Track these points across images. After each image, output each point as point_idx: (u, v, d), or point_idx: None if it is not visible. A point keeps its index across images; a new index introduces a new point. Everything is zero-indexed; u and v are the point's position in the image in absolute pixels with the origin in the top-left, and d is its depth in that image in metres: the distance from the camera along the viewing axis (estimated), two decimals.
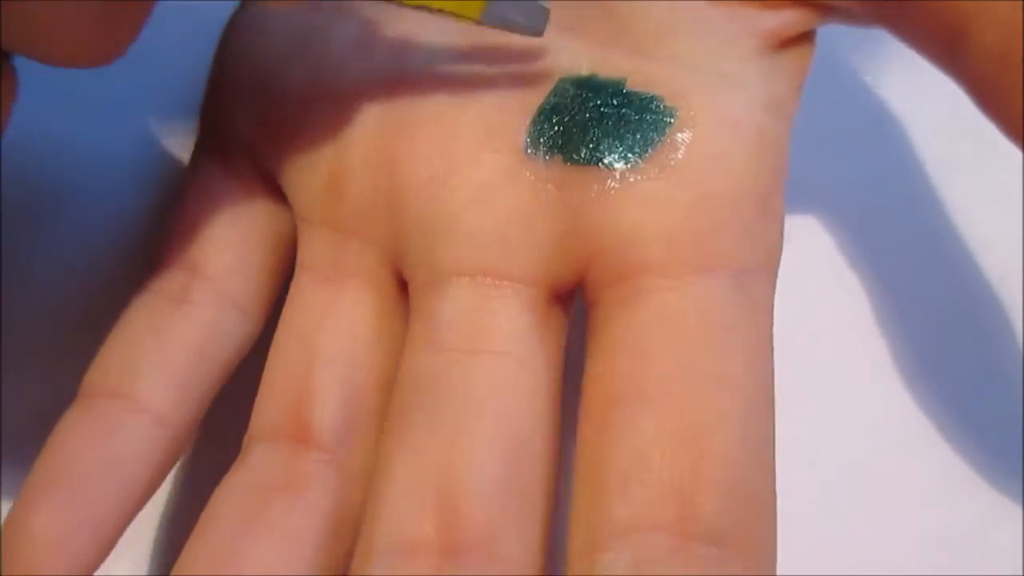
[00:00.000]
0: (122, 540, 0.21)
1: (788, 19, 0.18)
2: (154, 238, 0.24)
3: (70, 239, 0.24)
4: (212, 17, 0.21)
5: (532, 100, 0.18)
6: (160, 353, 0.18)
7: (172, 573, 0.16)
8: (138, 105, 0.26)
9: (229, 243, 0.19)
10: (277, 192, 0.20)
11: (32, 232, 0.24)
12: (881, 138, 0.24)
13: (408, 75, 0.18)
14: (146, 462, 0.17)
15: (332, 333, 0.18)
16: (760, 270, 0.17)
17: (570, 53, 0.18)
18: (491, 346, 0.17)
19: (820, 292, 0.23)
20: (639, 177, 0.17)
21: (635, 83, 0.18)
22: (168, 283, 0.19)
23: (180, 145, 0.25)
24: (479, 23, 0.17)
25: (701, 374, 0.15)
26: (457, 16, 0.17)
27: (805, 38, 0.19)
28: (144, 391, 0.17)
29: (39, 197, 0.25)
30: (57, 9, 0.14)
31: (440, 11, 0.17)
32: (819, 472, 0.21)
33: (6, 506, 0.21)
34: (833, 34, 0.20)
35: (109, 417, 0.17)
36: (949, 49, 0.16)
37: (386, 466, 0.16)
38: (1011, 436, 0.21)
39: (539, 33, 0.18)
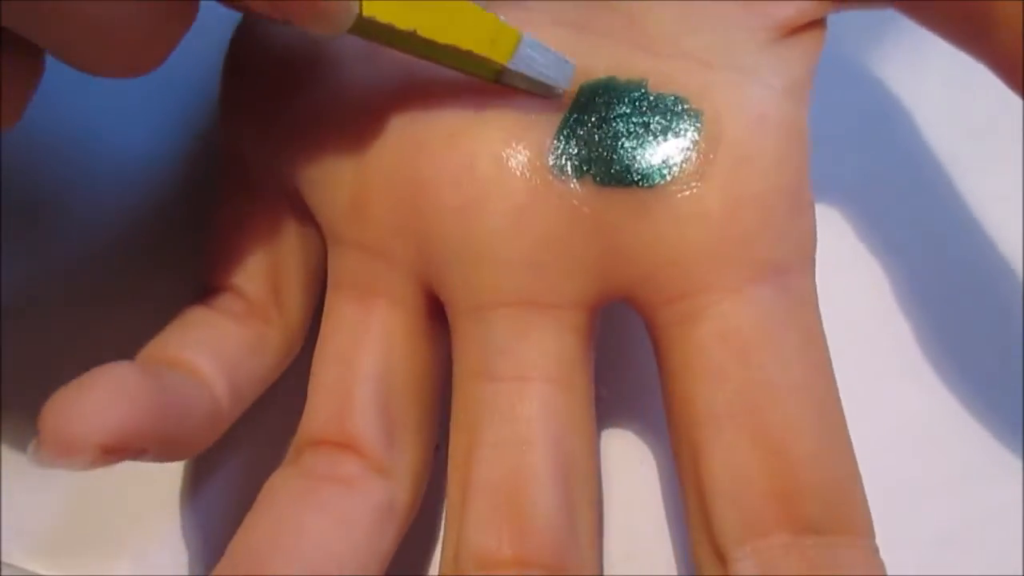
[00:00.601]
0: (122, 539, 0.21)
1: (803, 8, 0.18)
2: (154, 238, 0.24)
3: (70, 239, 0.24)
4: (215, 15, 0.21)
5: (552, 108, 0.18)
6: (215, 344, 0.19)
7: (233, 544, 0.17)
8: (138, 105, 0.26)
9: (263, 267, 0.20)
10: (305, 212, 0.20)
11: (32, 232, 0.24)
12: (886, 135, 0.24)
13: (420, 87, 0.18)
14: (196, 417, 0.18)
15: (367, 351, 0.18)
16: (799, 264, 0.17)
17: (585, 54, 0.18)
18: (537, 374, 0.17)
19: (822, 291, 0.23)
20: (674, 189, 0.17)
21: (655, 84, 0.18)
22: (217, 300, 0.20)
23: (181, 144, 0.25)
24: (501, 77, 0.17)
25: (769, 384, 0.16)
26: (480, 67, 0.17)
27: (816, 22, 0.19)
28: (199, 367, 0.18)
29: (39, 197, 0.25)
30: (103, 15, 0.15)
31: (466, 59, 0.17)
32: None
33: (6, 506, 0.21)
34: (839, 31, 0.20)
35: (172, 373, 0.18)
36: (974, 31, 0.17)
37: (462, 492, 0.17)
38: (1011, 435, 0.21)
39: (563, 90, 0.17)
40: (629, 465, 0.21)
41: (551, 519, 0.17)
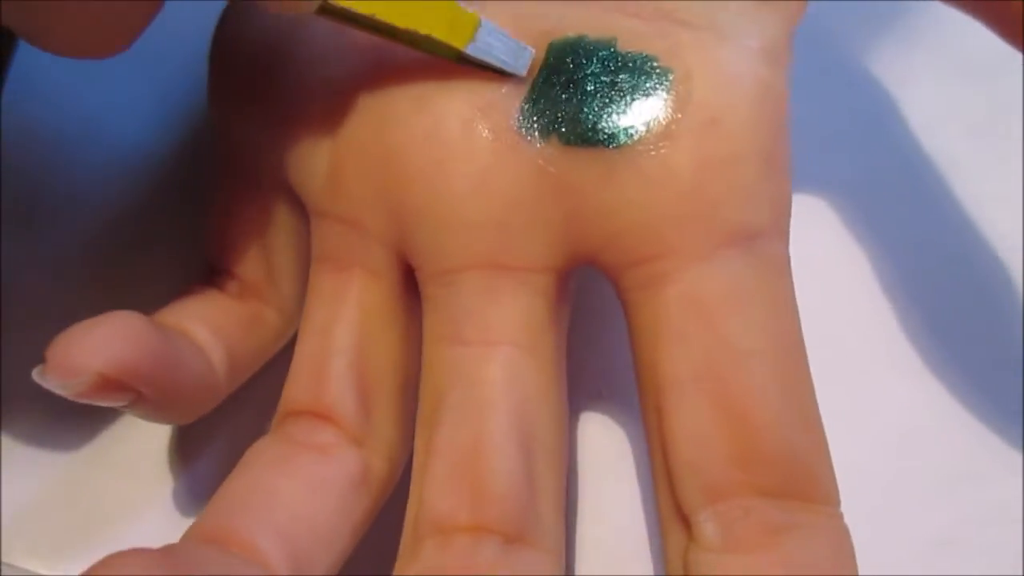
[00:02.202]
0: (122, 539, 0.21)
1: None
2: (154, 228, 0.24)
3: (69, 230, 0.24)
4: (211, 13, 0.21)
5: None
6: (214, 318, 0.20)
7: (209, 504, 0.17)
8: (136, 95, 0.26)
9: (255, 247, 0.21)
10: (292, 192, 0.20)
11: (32, 232, 0.24)
12: (880, 135, 0.24)
13: (390, 61, 0.18)
14: (193, 376, 0.19)
15: (344, 323, 0.18)
16: (771, 229, 0.17)
17: (559, 14, 0.18)
18: (503, 337, 0.17)
19: (820, 291, 0.23)
20: (641, 150, 0.17)
21: (627, 42, 0.17)
22: (214, 281, 0.21)
23: (179, 142, 0.25)
24: (461, 59, 0.17)
25: (734, 350, 0.16)
26: (440, 50, 0.17)
27: None
28: (199, 338, 0.19)
29: (38, 188, 0.25)
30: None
31: (425, 43, 0.17)
32: None
33: (6, 505, 0.21)
34: (836, 32, 0.20)
35: (178, 340, 0.19)
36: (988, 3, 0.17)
37: (424, 457, 0.17)
38: (1012, 435, 0.21)
39: (520, 74, 0.18)
40: (628, 464, 0.21)
41: (509, 485, 0.17)
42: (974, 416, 0.21)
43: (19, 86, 0.26)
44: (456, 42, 0.17)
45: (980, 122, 0.24)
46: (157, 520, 0.21)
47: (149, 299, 0.23)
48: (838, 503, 0.16)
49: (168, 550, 0.15)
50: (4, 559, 0.21)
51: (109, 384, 0.17)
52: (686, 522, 0.16)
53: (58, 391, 0.17)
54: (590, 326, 0.20)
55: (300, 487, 0.17)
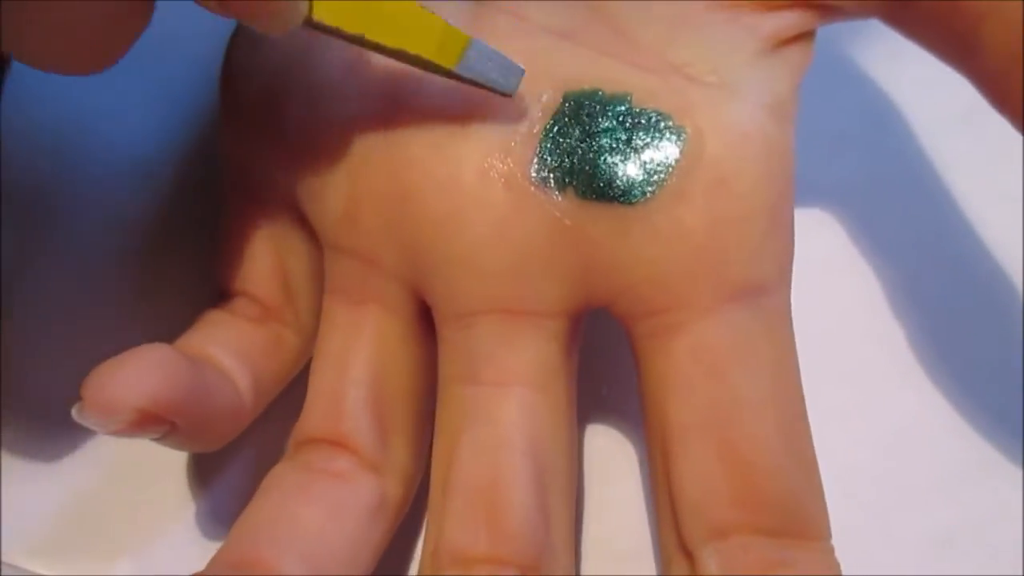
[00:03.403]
0: (122, 539, 0.21)
1: (790, 21, 0.18)
2: (158, 240, 0.24)
3: (70, 239, 0.24)
4: (214, 18, 0.21)
5: (537, 117, 0.18)
6: (237, 343, 0.20)
7: (232, 531, 0.17)
8: (138, 105, 0.26)
9: (271, 273, 0.21)
10: (305, 217, 0.20)
11: (32, 232, 0.24)
12: (883, 136, 0.24)
13: (406, 97, 0.18)
14: (222, 405, 0.19)
15: (360, 355, 0.19)
16: (776, 283, 0.18)
17: (570, 63, 0.18)
18: (518, 380, 0.18)
19: (820, 292, 0.23)
20: (654, 207, 0.17)
21: (639, 98, 0.18)
22: (233, 304, 0.21)
23: (180, 145, 0.25)
24: (451, 75, 0.17)
25: (738, 400, 0.17)
26: (430, 67, 0.17)
27: (805, 35, 0.19)
28: (224, 364, 0.19)
29: (40, 197, 0.25)
30: (59, 14, 0.15)
31: (415, 61, 0.17)
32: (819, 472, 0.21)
33: (6, 506, 0.21)
34: (835, 33, 0.20)
35: (207, 369, 0.19)
36: (960, 48, 0.17)
37: (442, 492, 0.18)
38: (1011, 435, 0.21)
39: (510, 93, 0.18)
40: (629, 464, 0.21)
41: (527, 519, 0.17)
42: (974, 416, 0.21)
43: (19, 86, 0.26)
44: (445, 62, 0.17)
45: (981, 124, 0.24)
46: (157, 519, 0.21)
47: (150, 299, 0.24)
48: (830, 536, 0.17)
49: None
50: (4, 559, 0.21)
51: (147, 419, 0.17)
52: (689, 556, 0.17)
53: (97, 429, 0.17)
54: (591, 328, 0.20)
55: (321, 513, 0.18)
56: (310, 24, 0.16)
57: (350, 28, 0.17)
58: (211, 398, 0.18)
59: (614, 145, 0.18)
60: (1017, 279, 0.23)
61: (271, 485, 0.18)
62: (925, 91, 0.24)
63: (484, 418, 0.18)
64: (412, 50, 0.17)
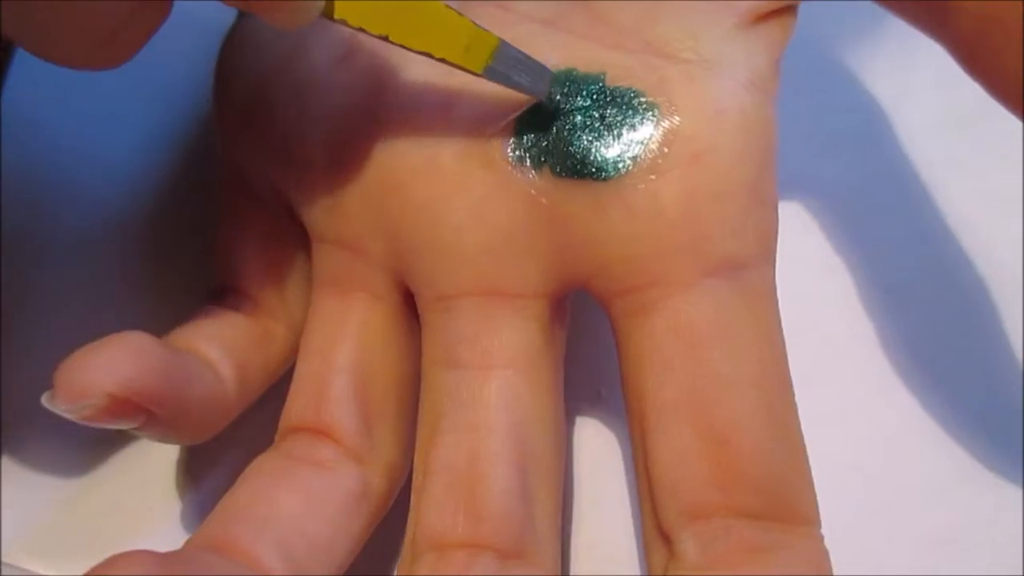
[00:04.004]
0: (122, 539, 0.21)
1: None
2: (154, 237, 0.24)
3: (70, 239, 0.24)
4: (213, 18, 0.21)
5: (515, 104, 0.18)
6: (225, 336, 0.20)
7: (211, 515, 0.17)
8: (138, 105, 0.26)
9: (263, 267, 0.21)
10: (296, 213, 0.20)
11: (32, 232, 0.24)
12: (878, 137, 0.24)
13: (388, 87, 0.19)
14: (203, 394, 0.19)
15: (345, 344, 0.19)
16: (757, 259, 0.17)
17: (549, 49, 0.18)
18: (500, 362, 0.18)
19: (818, 292, 0.23)
20: (629, 183, 0.17)
21: (615, 77, 0.18)
22: (224, 299, 0.21)
23: (179, 145, 0.25)
24: (481, 76, 0.17)
25: (717, 377, 0.17)
26: (459, 67, 0.17)
27: (784, 10, 0.19)
28: (210, 357, 0.19)
29: (40, 197, 0.25)
30: (68, 10, 0.15)
31: (442, 60, 0.17)
32: (818, 472, 0.21)
33: (6, 506, 0.21)
34: (829, 34, 0.20)
35: (188, 358, 0.19)
36: (934, 13, 0.17)
37: (422, 477, 0.18)
38: (1011, 435, 0.21)
39: (540, 96, 0.18)
40: (627, 465, 0.21)
41: (506, 503, 0.17)
42: (974, 416, 0.21)
43: (19, 87, 0.26)
44: (472, 65, 0.17)
45: (974, 124, 0.24)
46: (157, 520, 0.21)
47: (150, 298, 0.24)
48: (818, 524, 0.17)
49: (172, 554, 0.16)
50: (4, 559, 0.21)
51: (119, 405, 0.17)
52: (668, 541, 0.16)
53: (67, 415, 0.17)
54: (590, 327, 0.20)
55: (299, 500, 0.17)
56: (335, 21, 0.16)
57: (374, 29, 0.16)
58: (191, 388, 0.18)
59: (588, 123, 0.17)
60: (1014, 278, 0.22)
61: (252, 472, 0.18)
62: (919, 92, 0.24)
63: (465, 401, 0.18)
64: (438, 54, 0.17)
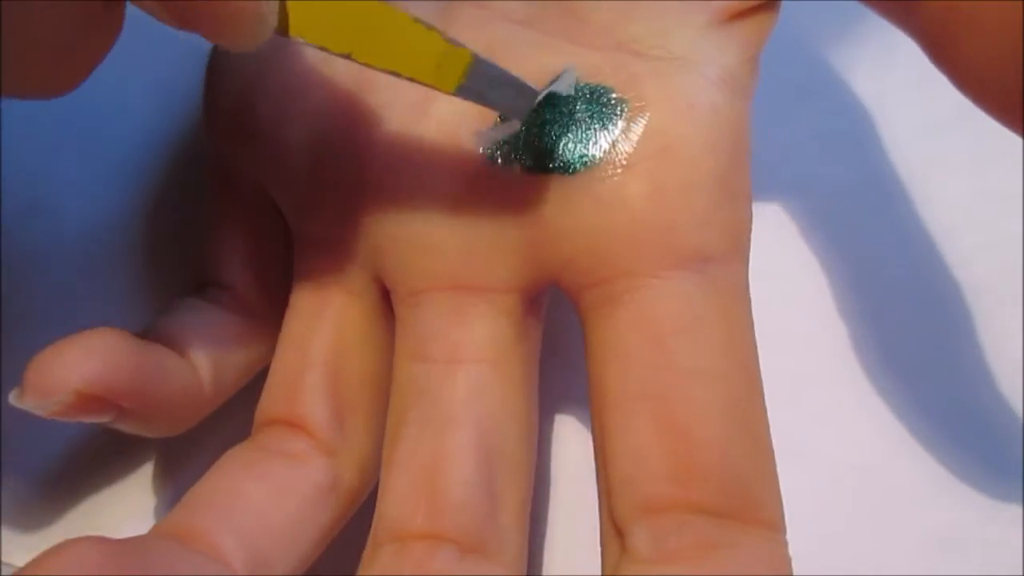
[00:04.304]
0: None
1: None
2: (154, 237, 0.24)
3: (70, 238, 0.24)
4: None
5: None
6: (202, 328, 0.20)
7: (181, 501, 0.17)
8: (139, 105, 0.26)
9: (247, 263, 0.21)
10: (279, 210, 0.20)
11: (32, 231, 0.24)
12: (861, 139, 0.24)
13: (367, 85, 0.19)
14: (176, 388, 0.19)
15: (321, 338, 0.19)
16: (727, 254, 0.17)
17: (525, 49, 0.18)
18: (469, 355, 0.18)
19: (818, 292, 0.23)
20: (597, 177, 0.17)
21: (584, 74, 0.18)
22: (204, 293, 0.21)
23: (180, 144, 0.25)
24: (453, 95, 0.16)
25: (680, 370, 0.16)
26: (429, 86, 0.16)
27: (761, 8, 0.18)
28: (186, 351, 0.19)
29: (40, 197, 0.25)
30: (13, 24, 0.14)
31: (411, 79, 0.15)
32: (818, 472, 0.21)
33: (6, 505, 0.21)
34: (825, 35, 0.20)
35: (160, 353, 0.19)
36: (901, 4, 0.17)
37: (387, 467, 0.18)
38: (1011, 435, 0.21)
39: (520, 115, 0.17)
40: None
41: (467, 495, 0.17)
42: (974, 416, 0.21)
43: None
44: (444, 85, 0.16)
45: (969, 125, 0.24)
46: (157, 520, 0.21)
47: (150, 297, 0.24)
48: (782, 530, 0.16)
49: (127, 541, 0.16)
50: (4, 559, 0.21)
51: (86, 402, 0.17)
52: (621, 535, 0.16)
53: (36, 411, 0.17)
54: (576, 328, 0.20)
55: (265, 491, 0.18)
56: (292, 39, 0.15)
57: (335, 48, 0.15)
58: (163, 383, 0.18)
59: (556, 118, 0.18)
60: (1012, 277, 0.23)
61: (223, 462, 0.18)
62: (902, 93, 0.24)
63: (432, 394, 0.18)
64: (406, 72, 0.15)
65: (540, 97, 0.17)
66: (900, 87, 0.24)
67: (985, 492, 0.21)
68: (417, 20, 0.15)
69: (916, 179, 0.23)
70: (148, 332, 0.19)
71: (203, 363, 0.19)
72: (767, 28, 0.19)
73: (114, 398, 0.17)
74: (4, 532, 0.21)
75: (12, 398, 0.17)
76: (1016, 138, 0.16)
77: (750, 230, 0.18)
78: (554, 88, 0.17)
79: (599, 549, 0.17)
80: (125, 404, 0.17)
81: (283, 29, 0.15)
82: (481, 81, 0.16)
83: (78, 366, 0.17)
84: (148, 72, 0.26)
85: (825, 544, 0.20)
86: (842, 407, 0.21)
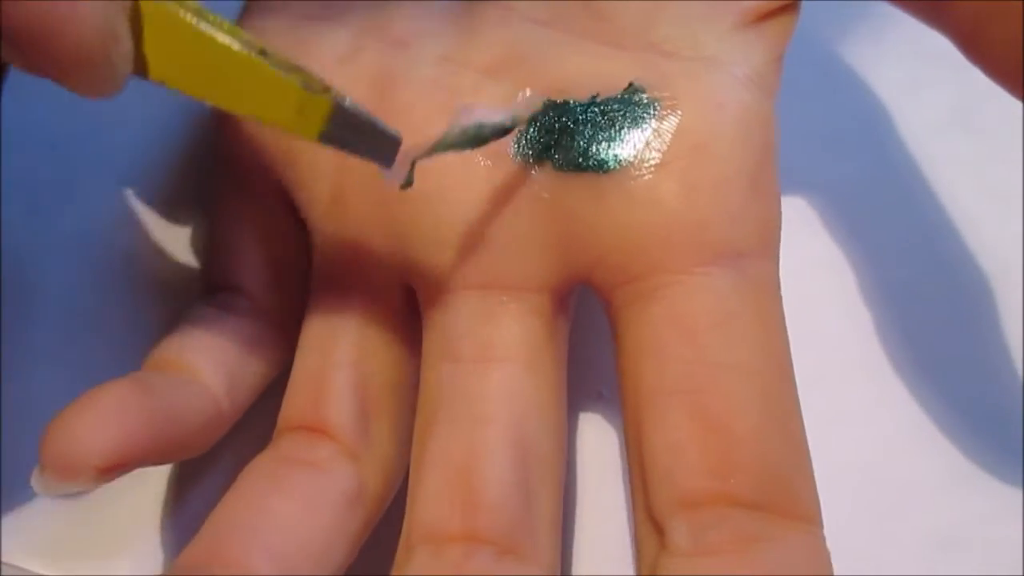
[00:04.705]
0: (122, 539, 0.21)
1: None
2: (155, 237, 0.24)
3: (70, 239, 0.24)
4: (223, 15, 0.21)
5: (520, 102, 0.18)
6: (214, 344, 0.19)
7: (203, 527, 0.17)
8: (139, 103, 0.26)
9: (261, 265, 0.21)
10: (296, 209, 0.20)
11: (32, 231, 0.24)
12: (880, 137, 0.24)
13: (391, 86, 0.19)
14: (194, 421, 0.18)
15: (344, 340, 0.19)
16: (758, 250, 0.17)
17: (553, 49, 0.18)
18: (500, 355, 0.18)
19: (819, 291, 0.23)
20: (629, 175, 0.17)
21: (615, 74, 0.18)
22: (217, 298, 0.21)
23: (181, 143, 0.25)
24: (317, 142, 0.15)
25: (715, 364, 0.16)
26: (292, 134, 0.15)
27: (788, 8, 0.19)
28: (199, 369, 0.19)
29: (40, 197, 0.25)
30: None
31: (272, 125, 0.15)
32: (818, 472, 0.21)
33: (6, 506, 0.21)
34: (829, 34, 0.20)
35: (168, 380, 0.18)
36: (934, 3, 0.17)
37: (417, 469, 0.18)
38: (1011, 434, 0.21)
39: (387, 164, 0.16)
40: (626, 463, 0.21)
41: (504, 496, 0.17)
42: (974, 416, 0.21)
43: (19, 86, 0.26)
44: (306, 132, 0.15)
45: (974, 123, 0.24)
46: (157, 520, 0.21)
47: (151, 298, 0.24)
48: (819, 524, 0.16)
49: None
50: (4, 559, 0.21)
51: (111, 471, 0.16)
52: (659, 531, 0.16)
53: (60, 495, 0.16)
54: (592, 327, 0.20)
55: (294, 505, 0.17)
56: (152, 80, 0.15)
57: (195, 93, 0.14)
58: (180, 423, 0.18)
59: (590, 117, 0.18)
60: (1013, 277, 0.23)
61: (246, 477, 0.18)
62: (919, 91, 0.24)
63: (464, 393, 0.17)
64: (266, 119, 0.15)
65: (492, 132, 0.17)
66: (923, 83, 0.24)
67: (984, 492, 0.21)
68: (278, 65, 0.15)
69: (936, 174, 0.24)
70: (157, 355, 0.19)
71: (218, 380, 0.19)
72: (790, 28, 0.19)
73: (135, 461, 0.17)
74: (4, 532, 0.21)
75: (33, 482, 0.16)
76: None
77: (780, 227, 0.18)
78: (508, 119, 0.17)
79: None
80: (148, 459, 0.17)
81: (142, 72, 0.14)
82: (345, 128, 0.15)
83: (94, 441, 0.16)
84: None
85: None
86: (840, 407, 0.21)
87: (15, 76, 0.25)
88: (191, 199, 0.24)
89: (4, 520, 0.21)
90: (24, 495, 0.21)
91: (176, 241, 0.24)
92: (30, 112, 0.25)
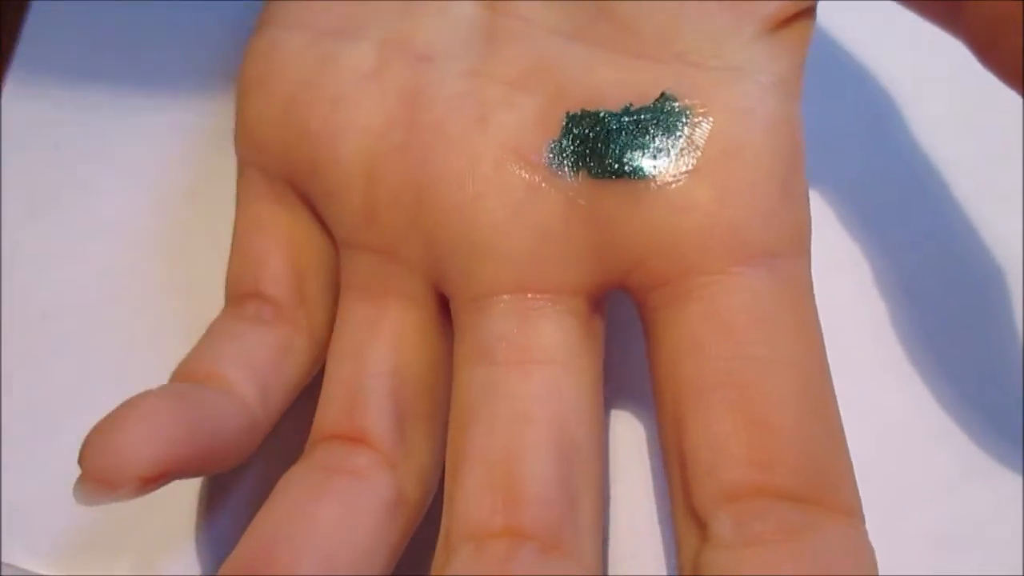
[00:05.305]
0: (122, 539, 0.21)
1: (787, 1, 0.19)
2: (156, 237, 0.24)
3: (71, 239, 0.24)
4: (223, 14, 0.21)
5: (552, 117, 0.18)
6: (245, 355, 0.19)
7: (247, 532, 0.17)
8: (142, 103, 0.26)
9: (287, 273, 0.20)
10: (320, 217, 0.20)
11: (32, 231, 0.24)
12: (890, 132, 0.24)
13: (423, 105, 0.19)
14: (230, 432, 0.18)
15: (379, 347, 0.19)
16: (790, 250, 0.18)
17: (580, 62, 0.19)
18: (538, 357, 0.18)
19: (821, 290, 0.23)
20: (664, 181, 0.18)
21: (645, 83, 0.18)
22: (243, 308, 0.20)
23: (184, 143, 0.25)
24: None
25: (755, 361, 0.17)
26: None
27: (805, 13, 0.19)
28: (232, 379, 0.19)
29: (40, 197, 0.25)
30: None
31: None
32: None
33: (6, 506, 0.21)
34: (835, 33, 0.20)
35: (204, 392, 0.18)
36: (948, 7, 0.17)
37: (455, 469, 0.17)
38: (1011, 434, 0.21)
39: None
40: (630, 465, 0.21)
41: (547, 492, 0.17)
42: (974, 416, 0.21)
43: (19, 84, 0.26)
44: None
45: (980, 122, 0.24)
46: (157, 519, 0.21)
47: (151, 298, 0.24)
48: (860, 516, 0.16)
49: None
50: (4, 559, 0.21)
51: (152, 482, 0.16)
52: (701, 524, 0.16)
53: (100, 503, 0.16)
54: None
55: (337, 513, 0.17)
56: None
57: None
58: (217, 433, 0.18)
59: (623, 126, 0.18)
60: (1016, 277, 0.23)
61: (286, 485, 0.18)
62: (932, 87, 0.24)
63: (502, 393, 0.17)
64: None
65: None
66: (932, 80, 0.24)
67: (985, 491, 0.21)
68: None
69: (945, 171, 0.24)
70: (187, 365, 0.19)
71: (250, 392, 0.19)
72: (808, 34, 0.19)
73: (176, 472, 0.17)
74: (4, 532, 0.21)
75: (74, 492, 0.16)
76: None
77: (810, 228, 0.18)
78: None
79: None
80: (188, 470, 0.17)
81: None
82: None
83: (136, 452, 0.16)
84: (152, 71, 0.26)
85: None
86: (840, 405, 0.21)
87: (15, 77, 0.25)
88: (196, 199, 0.24)
89: (4, 520, 0.21)
90: (24, 495, 0.21)
91: (177, 242, 0.24)
92: (30, 112, 0.25)
